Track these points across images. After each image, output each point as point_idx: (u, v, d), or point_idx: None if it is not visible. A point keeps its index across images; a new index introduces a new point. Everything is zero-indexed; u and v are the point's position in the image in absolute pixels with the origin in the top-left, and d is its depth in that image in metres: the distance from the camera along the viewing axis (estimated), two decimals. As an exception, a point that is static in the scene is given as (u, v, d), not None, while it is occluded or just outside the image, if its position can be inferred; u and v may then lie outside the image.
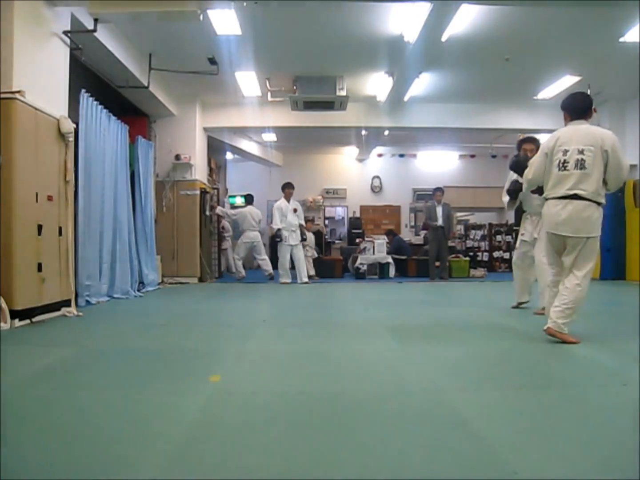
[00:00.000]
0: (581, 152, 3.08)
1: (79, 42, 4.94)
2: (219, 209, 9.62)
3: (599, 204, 3.11)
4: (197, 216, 8.33)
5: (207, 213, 8.83)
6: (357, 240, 10.64)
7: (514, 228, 6.67)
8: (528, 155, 4.14)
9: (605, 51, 6.40)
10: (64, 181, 4.59)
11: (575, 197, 3.09)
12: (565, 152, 3.13)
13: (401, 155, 13.22)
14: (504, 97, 8.48)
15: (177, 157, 8.22)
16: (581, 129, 3.18)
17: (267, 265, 8.84)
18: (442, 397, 2.10)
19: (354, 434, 1.69)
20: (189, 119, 8.45)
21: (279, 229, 8.17)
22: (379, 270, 9.30)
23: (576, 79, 7.39)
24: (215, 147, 10.10)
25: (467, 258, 10.06)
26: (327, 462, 1.47)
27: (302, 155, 12.93)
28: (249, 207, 9.11)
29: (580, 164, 3.08)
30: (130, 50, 6.21)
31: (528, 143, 4.52)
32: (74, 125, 4.72)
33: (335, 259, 10.15)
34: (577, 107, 3.24)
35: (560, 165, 3.15)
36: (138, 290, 6.40)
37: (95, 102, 5.46)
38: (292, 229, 8.28)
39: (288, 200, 8.40)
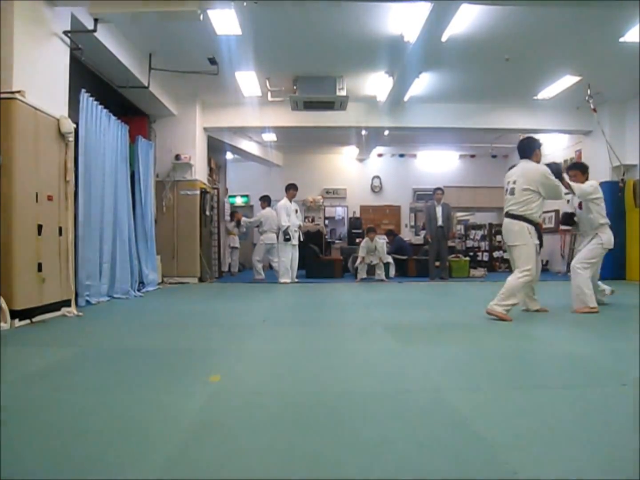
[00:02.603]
0: (514, 182, 4.27)
1: (79, 42, 4.95)
2: (243, 220, 9.90)
3: (524, 219, 4.17)
4: (197, 216, 8.34)
5: (207, 213, 8.83)
6: (357, 240, 10.64)
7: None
8: (568, 181, 4.78)
9: (605, 51, 6.40)
10: (64, 181, 4.59)
11: (507, 214, 4.31)
12: (508, 183, 4.36)
13: (401, 155, 13.22)
14: (504, 97, 8.48)
15: (177, 157, 8.23)
16: (520, 166, 4.36)
17: (257, 269, 9.05)
18: (441, 396, 2.10)
19: (354, 434, 1.69)
20: (189, 119, 8.45)
21: (287, 227, 8.20)
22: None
23: (576, 79, 7.40)
24: (215, 147, 10.10)
25: (467, 258, 10.06)
26: (327, 462, 1.47)
27: (302, 155, 12.93)
28: (269, 209, 9.01)
29: (511, 191, 4.28)
30: (130, 50, 6.21)
31: (573, 170, 4.97)
32: (74, 125, 4.72)
33: (335, 259, 10.15)
34: (521, 150, 4.43)
35: (505, 193, 4.38)
36: (138, 290, 6.40)
37: (95, 102, 5.46)
38: (294, 229, 8.33)
39: (291, 201, 8.48)
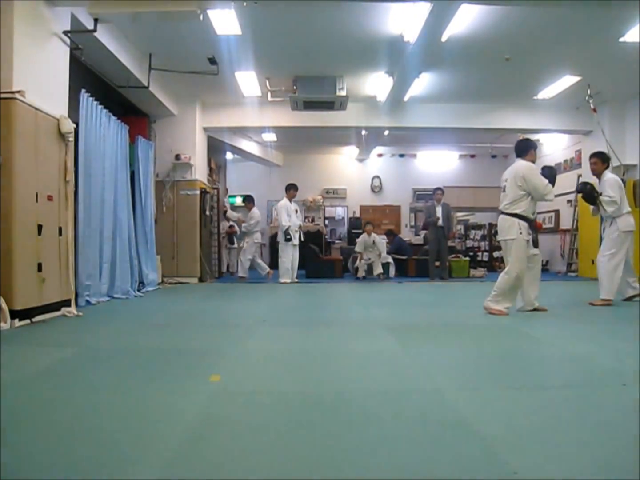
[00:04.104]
0: (505, 180, 4.49)
1: (79, 42, 4.94)
2: (229, 213, 10.02)
3: (511, 215, 4.36)
4: (197, 216, 8.33)
5: (207, 213, 8.83)
6: (357, 240, 10.61)
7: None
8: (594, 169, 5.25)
9: (605, 51, 6.39)
10: (64, 181, 4.59)
11: (501, 212, 4.50)
12: (502, 181, 4.57)
13: (401, 155, 13.22)
14: (504, 97, 8.47)
15: (177, 157, 8.23)
16: (513, 165, 4.56)
17: (261, 266, 9.12)
18: (442, 396, 2.10)
19: (353, 434, 1.69)
20: (189, 119, 8.45)
21: (288, 227, 8.22)
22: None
23: (576, 79, 7.39)
24: (215, 147, 10.10)
25: (467, 258, 10.06)
26: (327, 462, 1.47)
27: (302, 155, 12.92)
28: (256, 209, 9.18)
29: (504, 189, 4.50)
30: (130, 50, 6.21)
31: (593, 157, 5.28)
32: (74, 125, 4.71)
33: (335, 259, 10.15)
34: (516, 150, 4.64)
35: (502, 191, 4.57)
36: (138, 290, 6.39)
37: (95, 102, 5.46)
38: (295, 229, 8.33)
39: (291, 201, 8.49)
